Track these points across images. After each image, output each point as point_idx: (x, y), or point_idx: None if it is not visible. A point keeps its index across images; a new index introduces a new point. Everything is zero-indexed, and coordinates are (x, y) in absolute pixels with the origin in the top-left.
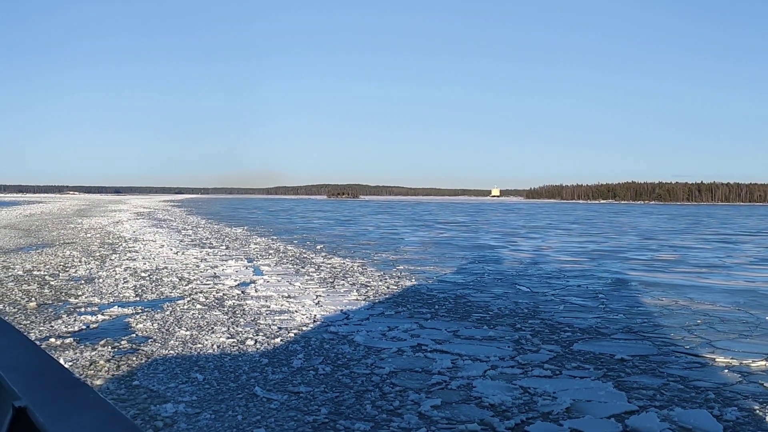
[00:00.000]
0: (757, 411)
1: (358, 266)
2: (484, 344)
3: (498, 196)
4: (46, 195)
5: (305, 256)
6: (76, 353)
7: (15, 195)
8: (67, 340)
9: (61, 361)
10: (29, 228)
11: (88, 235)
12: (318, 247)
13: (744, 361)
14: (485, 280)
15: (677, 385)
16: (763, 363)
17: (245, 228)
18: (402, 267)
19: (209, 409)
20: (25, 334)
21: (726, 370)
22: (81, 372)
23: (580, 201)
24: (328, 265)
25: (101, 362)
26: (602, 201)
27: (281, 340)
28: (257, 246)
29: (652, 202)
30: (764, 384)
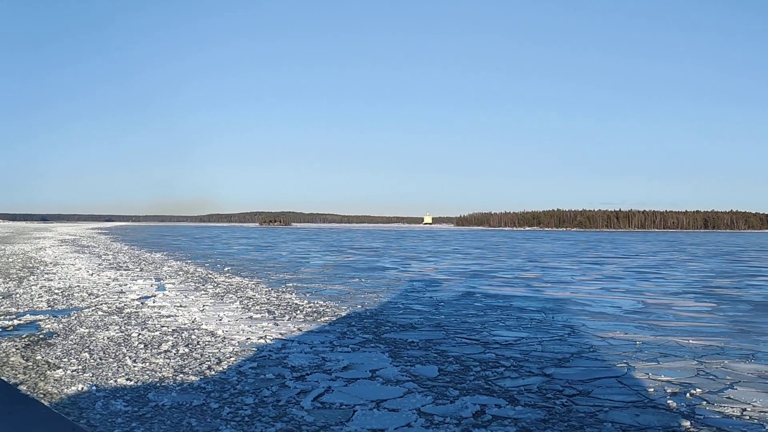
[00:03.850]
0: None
1: (253, 284)
2: (315, 334)
3: (430, 224)
4: None
5: (210, 276)
6: None
7: None
8: None
9: None
10: None
11: (9, 260)
12: (225, 269)
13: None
14: (355, 294)
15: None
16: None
17: (164, 253)
18: (291, 285)
19: (89, 372)
20: None
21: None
22: (0, 355)
23: (506, 228)
24: (227, 283)
25: (14, 349)
26: (527, 228)
27: (159, 334)
28: (169, 268)
29: (574, 229)
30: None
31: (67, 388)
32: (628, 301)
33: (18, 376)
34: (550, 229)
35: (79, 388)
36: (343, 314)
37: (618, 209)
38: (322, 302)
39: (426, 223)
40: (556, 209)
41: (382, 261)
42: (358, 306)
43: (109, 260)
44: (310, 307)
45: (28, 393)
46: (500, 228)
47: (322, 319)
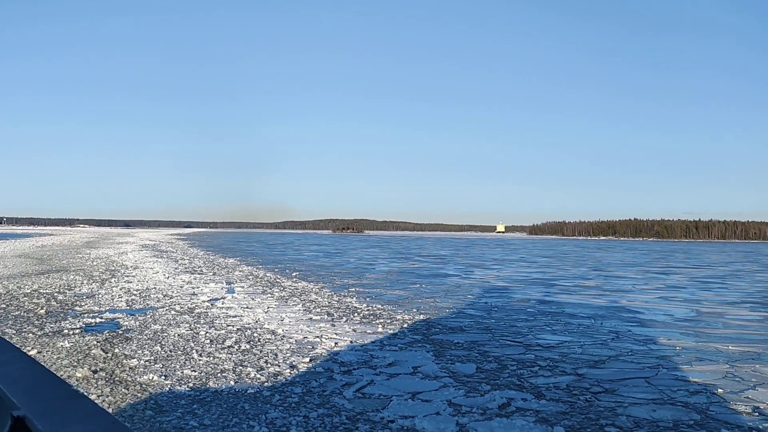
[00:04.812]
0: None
1: (317, 288)
2: (367, 334)
3: (503, 232)
4: (56, 228)
5: (278, 280)
6: (78, 339)
7: (27, 227)
8: (72, 332)
9: (67, 344)
10: (41, 257)
11: (93, 263)
12: (293, 274)
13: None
14: (413, 299)
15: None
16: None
17: (237, 259)
18: (353, 289)
19: (160, 363)
20: (36, 334)
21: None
22: (82, 347)
23: (580, 237)
24: (292, 287)
25: (95, 343)
26: (602, 237)
27: (224, 332)
28: (240, 273)
29: (650, 239)
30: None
31: (139, 376)
32: (681, 310)
33: (98, 365)
34: (625, 239)
35: (150, 377)
36: (398, 317)
37: (698, 219)
38: (379, 306)
39: (498, 232)
40: (632, 219)
41: (446, 268)
42: (414, 310)
43: (185, 265)
44: (367, 310)
45: (79, 388)
46: (574, 237)
47: (377, 321)
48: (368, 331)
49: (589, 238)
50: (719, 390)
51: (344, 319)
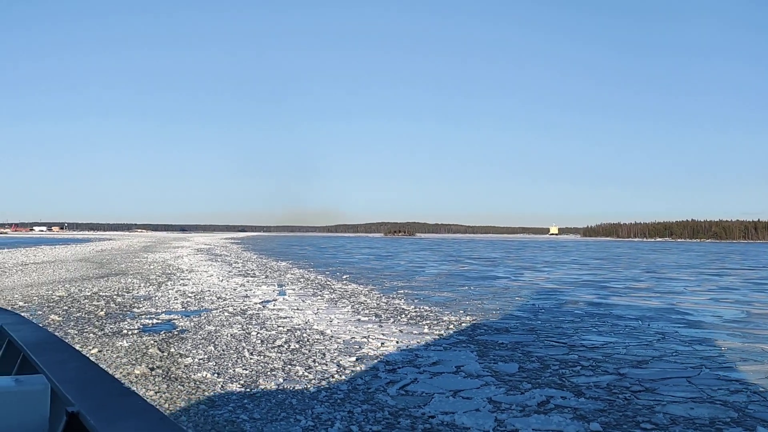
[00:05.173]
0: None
1: (366, 291)
2: (414, 335)
3: (556, 234)
4: (115, 232)
5: (328, 283)
6: (136, 338)
7: (87, 232)
8: (130, 332)
9: (126, 344)
10: (100, 261)
11: (151, 267)
12: (344, 277)
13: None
14: (461, 301)
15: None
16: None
17: (289, 262)
18: (402, 292)
19: (213, 362)
20: (97, 334)
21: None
22: (140, 347)
23: (635, 239)
24: (342, 290)
25: (152, 342)
26: (657, 239)
27: (275, 332)
28: (292, 276)
29: (708, 240)
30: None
31: (194, 373)
32: (731, 311)
33: (155, 363)
34: (682, 240)
35: (204, 374)
36: (444, 318)
37: (756, 219)
38: (427, 307)
39: (552, 234)
40: (689, 219)
41: (496, 270)
42: (460, 311)
43: (239, 268)
44: (415, 311)
45: (138, 384)
46: (629, 239)
47: (424, 322)
48: (414, 332)
49: (644, 239)
50: (761, 389)
51: (391, 320)
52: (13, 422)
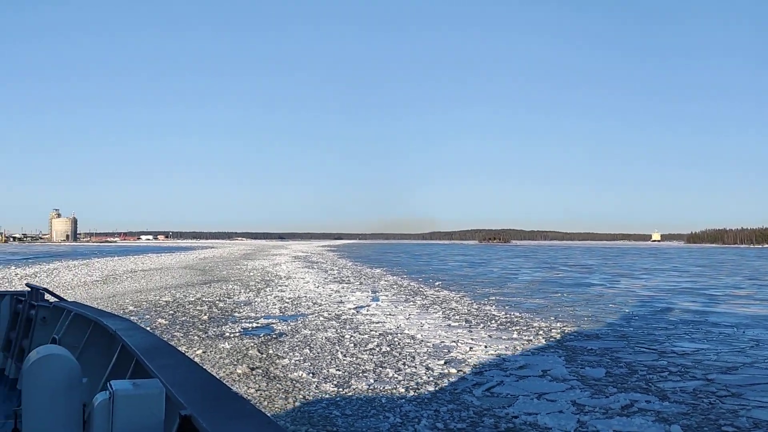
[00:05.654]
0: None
1: (458, 297)
2: (502, 340)
3: (658, 241)
4: (216, 241)
5: (420, 289)
6: (237, 341)
7: (191, 241)
8: (232, 335)
9: (227, 346)
10: (203, 268)
11: (250, 273)
12: (436, 283)
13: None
14: (552, 307)
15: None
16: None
17: (383, 269)
18: (493, 298)
19: (308, 363)
20: (201, 337)
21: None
22: (241, 349)
23: (742, 245)
24: (434, 296)
25: (252, 344)
26: (765, 245)
27: (368, 336)
28: (386, 282)
29: None
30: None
31: (290, 373)
32: None
33: (255, 363)
34: None
35: (300, 374)
36: (534, 324)
37: None
38: (517, 314)
39: (654, 241)
40: None
41: (591, 278)
42: (551, 318)
43: (334, 275)
44: (505, 317)
45: (239, 383)
46: (735, 246)
47: (513, 328)
48: (503, 337)
49: (751, 246)
50: None
51: (481, 326)
52: (132, 424)
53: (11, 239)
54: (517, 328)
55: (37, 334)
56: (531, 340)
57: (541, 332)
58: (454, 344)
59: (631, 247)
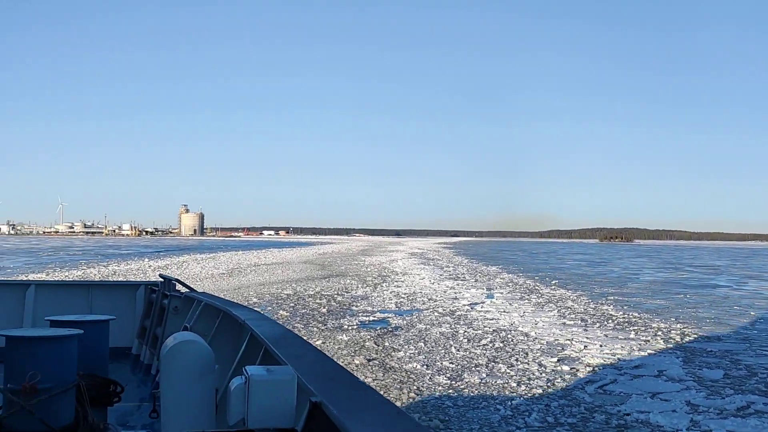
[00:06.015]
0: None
1: (575, 296)
2: (619, 340)
3: None
4: (335, 237)
5: (536, 287)
6: (355, 333)
7: (310, 237)
8: (349, 328)
9: (345, 338)
10: (322, 263)
11: (367, 269)
12: (552, 282)
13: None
14: (673, 308)
15: None
16: None
17: (499, 267)
18: (612, 298)
19: (422, 355)
20: (320, 328)
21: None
22: (358, 341)
23: None
24: (550, 294)
25: (368, 337)
26: None
27: (481, 332)
28: (501, 280)
29: None
30: None
31: (405, 365)
32: None
33: (371, 355)
34: None
35: (414, 365)
36: (653, 325)
37: None
38: (636, 314)
39: None
40: None
41: (718, 279)
42: (672, 319)
43: (449, 272)
44: (623, 317)
45: (358, 371)
46: None
47: (631, 327)
48: (620, 337)
49: None
50: None
51: (597, 325)
52: (265, 408)
53: (144, 233)
54: (635, 328)
55: (169, 323)
56: (648, 341)
57: (659, 333)
58: (568, 342)
59: (764, 248)
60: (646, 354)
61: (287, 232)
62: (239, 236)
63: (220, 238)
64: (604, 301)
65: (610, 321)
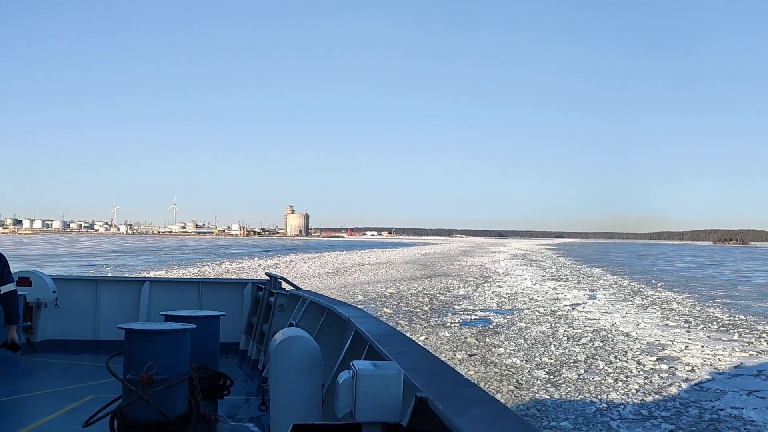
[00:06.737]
0: None
1: (680, 298)
2: (720, 341)
3: None
4: (437, 237)
5: (641, 289)
6: (456, 330)
7: (413, 237)
8: (452, 325)
9: (447, 334)
10: (424, 263)
11: (469, 269)
12: (658, 284)
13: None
14: None
15: None
16: None
17: (603, 268)
18: (719, 300)
19: (522, 352)
20: (423, 325)
21: None
22: (459, 337)
23: None
24: (654, 296)
25: (470, 334)
26: None
27: (581, 331)
28: (605, 281)
29: None
30: None
31: (505, 360)
32: None
33: (473, 350)
34: None
35: (514, 361)
36: (759, 328)
37: None
38: (743, 317)
39: None
40: None
41: None
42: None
43: (552, 273)
44: (728, 320)
45: (460, 366)
46: None
47: (735, 330)
48: (722, 338)
49: None
50: None
51: (701, 326)
52: (372, 402)
53: (251, 233)
54: (740, 330)
55: (275, 319)
56: (752, 342)
57: (764, 335)
58: (669, 343)
59: None
60: (748, 355)
61: (390, 233)
62: (343, 236)
63: (325, 239)
64: (710, 304)
65: (714, 323)
